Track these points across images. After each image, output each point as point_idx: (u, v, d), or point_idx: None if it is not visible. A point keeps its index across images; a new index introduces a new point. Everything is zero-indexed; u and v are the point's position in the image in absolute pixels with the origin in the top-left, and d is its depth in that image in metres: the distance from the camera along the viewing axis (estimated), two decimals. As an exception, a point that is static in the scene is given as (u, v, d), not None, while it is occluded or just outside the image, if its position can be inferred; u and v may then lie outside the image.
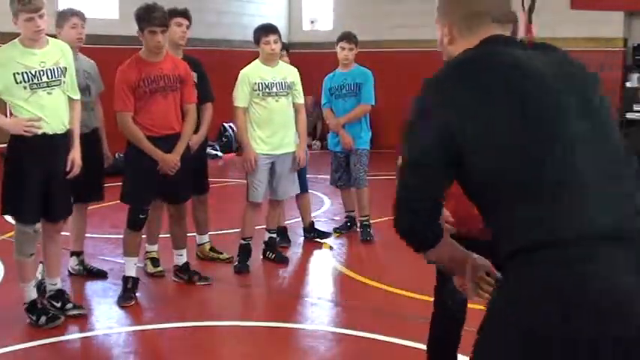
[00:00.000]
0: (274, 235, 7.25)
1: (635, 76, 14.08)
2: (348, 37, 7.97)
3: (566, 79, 2.28)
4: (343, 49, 7.93)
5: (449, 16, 2.43)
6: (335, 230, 8.21)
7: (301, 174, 7.51)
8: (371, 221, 7.98)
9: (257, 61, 6.94)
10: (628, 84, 14.25)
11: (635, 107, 13.95)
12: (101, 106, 6.56)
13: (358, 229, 8.07)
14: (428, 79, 2.29)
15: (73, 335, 5.40)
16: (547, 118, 2.16)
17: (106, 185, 6.52)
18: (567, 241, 2.05)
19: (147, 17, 5.87)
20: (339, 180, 8.03)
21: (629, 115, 14.20)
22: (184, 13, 6.78)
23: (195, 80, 6.69)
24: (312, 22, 16.91)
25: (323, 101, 8.10)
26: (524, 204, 2.11)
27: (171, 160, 5.94)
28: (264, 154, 6.83)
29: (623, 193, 2.16)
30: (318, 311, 6.00)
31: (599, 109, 2.30)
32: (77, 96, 5.57)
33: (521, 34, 10.85)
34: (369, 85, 7.89)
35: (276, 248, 7.24)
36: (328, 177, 8.42)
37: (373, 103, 7.94)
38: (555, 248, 2.05)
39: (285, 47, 7.89)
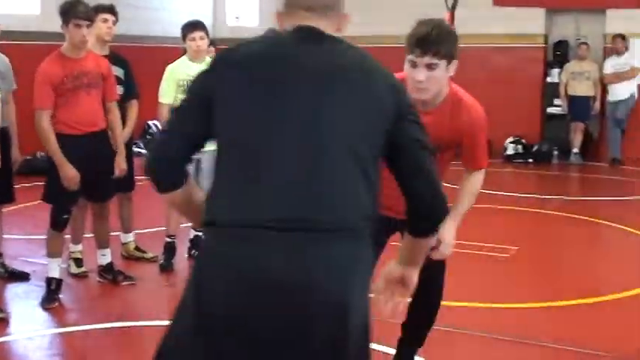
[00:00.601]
0: (200, 233, 7.20)
1: (555, 71, 14.37)
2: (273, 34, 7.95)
3: (323, 79, 2.43)
4: None
5: (276, 6, 2.68)
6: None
7: None
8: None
9: (184, 57, 6.88)
10: (549, 79, 14.53)
11: (556, 102, 14.22)
12: (14, 104, 6.43)
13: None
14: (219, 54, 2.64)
15: (-5, 339, 5.29)
16: (267, 113, 2.39)
17: (27, 185, 6.39)
18: (235, 223, 2.34)
19: (72, 10, 5.76)
20: None
21: (549, 110, 14.49)
22: (110, 9, 6.70)
23: (122, 77, 6.63)
24: (236, 17, 16.82)
25: None
26: (222, 179, 2.43)
27: (69, 174, 5.76)
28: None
29: (312, 191, 2.33)
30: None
31: (338, 118, 2.40)
32: None
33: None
34: None
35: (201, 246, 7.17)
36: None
37: None
38: (225, 226, 2.36)
39: (212, 43, 7.82)
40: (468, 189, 3.87)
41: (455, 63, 3.55)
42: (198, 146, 2.55)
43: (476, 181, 3.90)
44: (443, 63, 3.49)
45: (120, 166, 6.19)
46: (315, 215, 2.32)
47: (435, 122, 3.65)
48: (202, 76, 2.58)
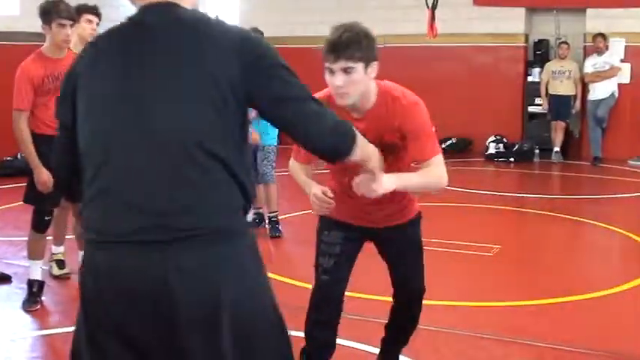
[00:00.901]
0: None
1: (536, 70, 14.41)
2: (254, 33, 7.89)
3: (156, 70, 2.32)
4: None
5: None
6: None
7: None
8: (279, 217, 7.98)
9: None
10: (530, 78, 14.57)
11: (537, 101, 14.26)
12: None
13: (267, 226, 8.04)
14: None
15: (-24, 342, 5.24)
16: (95, 112, 2.36)
17: (8, 186, 6.34)
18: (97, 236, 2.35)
19: (55, 9, 5.70)
20: None
21: (530, 109, 14.54)
22: (94, 10, 6.61)
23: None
24: (217, 16, 16.76)
25: None
26: (85, 190, 2.40)
27: (42, 177, 5.66)
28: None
29: (162, 197, 2.28)
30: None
31: (167, 111, 2.29)
32: None
33: (424, 30, 11.01)
34: None
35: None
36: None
37: None
38: (90, 240, 2.38)
39: None
40: (422, 171, 3.70)
41: (375, 65, 3.52)
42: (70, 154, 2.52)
43: (430, 165, 3.70)
44: (359, 66, 3.45)
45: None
46: (169, 221, 2.26)
47: (372, 127, 3.59)
48: (64, 80, 2.56)
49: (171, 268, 2.25)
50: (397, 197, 3.71)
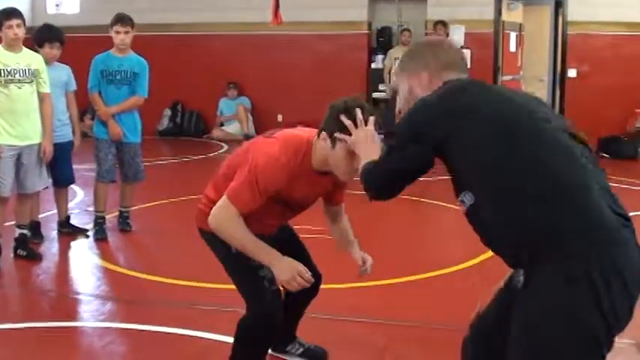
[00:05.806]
0: (25, 231, 6.91)
1: (379, 57, 14.69)
2: (122, 20, 7.48)
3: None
4: (119, 32, 7.42)
5: (427, 68, 3.10)
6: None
7: (66, 165, 7.35)
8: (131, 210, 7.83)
9: (-1, 45, 6.58)
10: (373, 65, 14.84)
11: (381, 87, 14.54)
12: None
13: (117, 220, 7.86)
14: None
15: None
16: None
17: None
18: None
19: None
20: (109, 173, 7.57)
21: (375, 95, 14.80)
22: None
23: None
24: (57, 5, 16.27)
25: (91, 84, 7.50)
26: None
27: None
28: (8, 145, 6.47)
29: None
30: (77, 306, 5.81)
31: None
32: None
33: (268, 19, 11.04)
34: (145, 76, 7.56)
35: (27, 244, 6.90)
36: (80, 167, 8.16)
37: (147, 96, 7.63)
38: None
39: (59, 39, 7.41)
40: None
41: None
42: None
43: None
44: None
45: None
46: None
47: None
48: None
49: None
50: None
